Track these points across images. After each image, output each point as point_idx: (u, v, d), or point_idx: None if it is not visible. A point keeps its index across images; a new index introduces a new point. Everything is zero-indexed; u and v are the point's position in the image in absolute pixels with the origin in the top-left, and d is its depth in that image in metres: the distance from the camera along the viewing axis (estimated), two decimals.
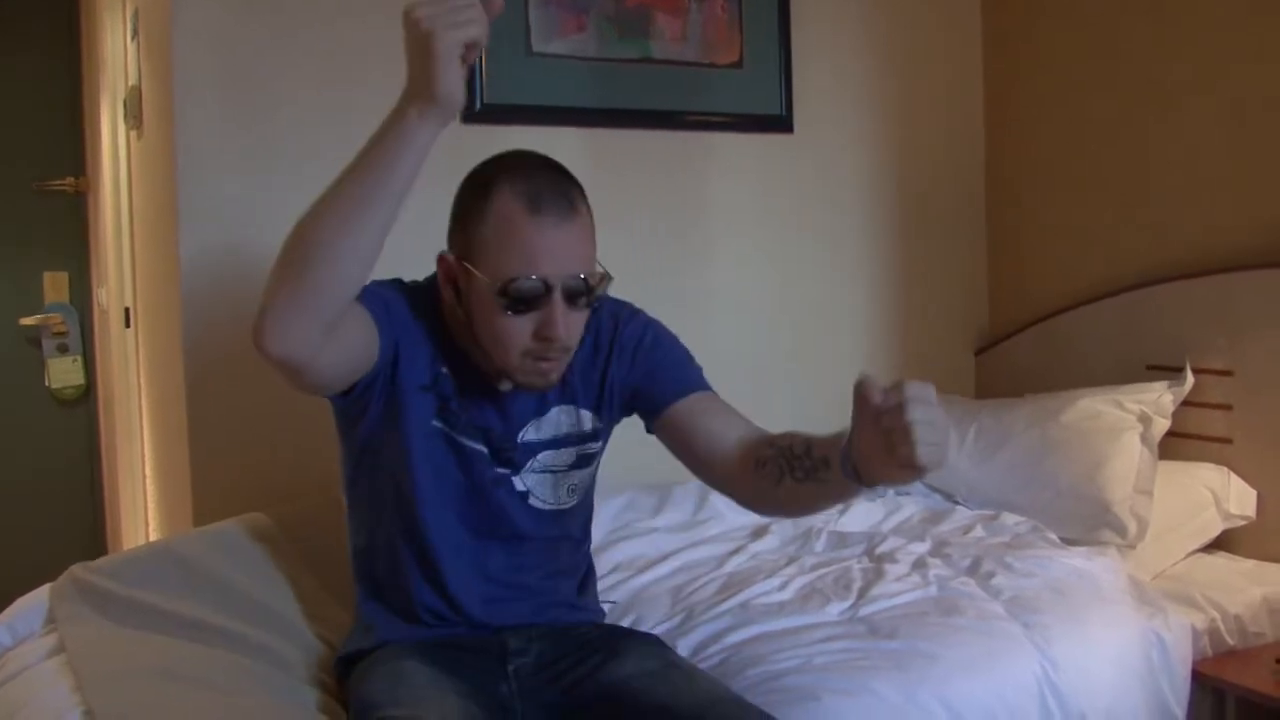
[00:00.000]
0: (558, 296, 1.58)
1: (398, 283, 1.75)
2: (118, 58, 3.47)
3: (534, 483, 1.77)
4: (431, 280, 1.74)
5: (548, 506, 1.79)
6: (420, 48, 1.34)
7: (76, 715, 1.60)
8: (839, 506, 2.86)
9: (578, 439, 1.79)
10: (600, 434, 1.81)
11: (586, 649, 1.76)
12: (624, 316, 1.82)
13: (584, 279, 1.61)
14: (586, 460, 1.81)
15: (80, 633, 1.85)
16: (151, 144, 2.93)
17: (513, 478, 1.76)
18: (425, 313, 1.72)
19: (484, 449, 1.74)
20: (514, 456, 1.75)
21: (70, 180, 4.30)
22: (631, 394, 1.80)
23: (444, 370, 1.71)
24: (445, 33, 1.33)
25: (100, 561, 2.08)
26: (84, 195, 4.32)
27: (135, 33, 3.10)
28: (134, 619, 1.90)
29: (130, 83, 3.20)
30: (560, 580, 1.86)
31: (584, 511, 1.90)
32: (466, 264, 1.60)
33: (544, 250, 1.57)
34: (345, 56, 2.70)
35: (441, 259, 1.67)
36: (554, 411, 1.78)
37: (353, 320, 1.55)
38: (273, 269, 1.44)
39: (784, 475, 1.60)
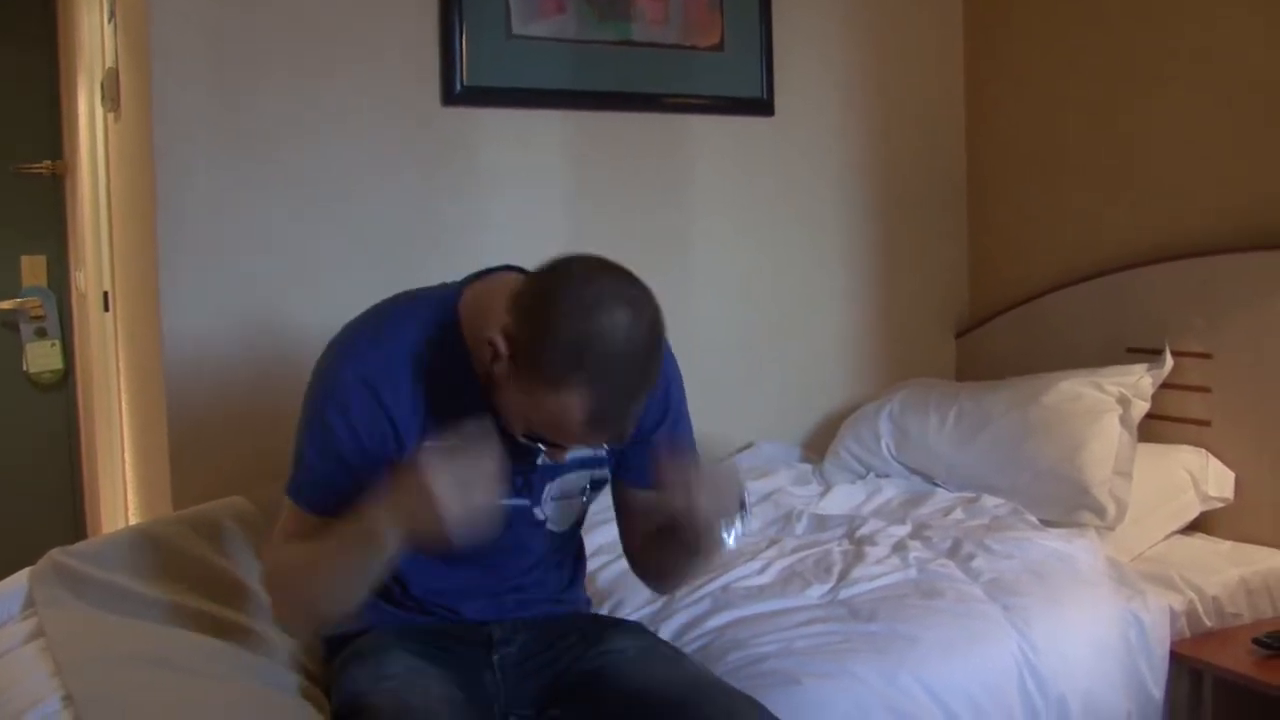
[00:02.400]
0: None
1: (379, 340, 1.62)
2: (94, 40, 3.44)
3: (552, 510, 1.75)
4: (450, 302, 1.64)
5: (561, 529, 1.78)
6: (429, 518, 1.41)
7: (56, 700, 1.59)
8: (820, 490, 2.87)
9: (592, 463, 1.76)
10: (606, 462, 1.78)
11: (571, 638, 1.76)
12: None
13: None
14: (597, 484, 1.79)
15: (59, 617, 1.84)
16: (129, 127, 2.91)
17: (533, 509, 1.73)
18: (427, 363, 1.61)
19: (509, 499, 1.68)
20: (532, 478, 1.70)
21: (48, 163, 4.26)
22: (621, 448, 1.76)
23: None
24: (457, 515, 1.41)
25: (79, 545, 2.08)
26: (62, 178, 4.29)
27: (112, 15, 3.07)
28: (113, 603, 1.89)
29: (107, 65, 3.17)
30: (549, 575, 1.85)
31: (582, 520, 1.88)
32: (513, 377, 1.50)
33: (580, 443, 1.59)
34: (325, 38, 2.68)
35: (491, 343, 1.50)
36: None
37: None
38: (269, 591, 1.70)
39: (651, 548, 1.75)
